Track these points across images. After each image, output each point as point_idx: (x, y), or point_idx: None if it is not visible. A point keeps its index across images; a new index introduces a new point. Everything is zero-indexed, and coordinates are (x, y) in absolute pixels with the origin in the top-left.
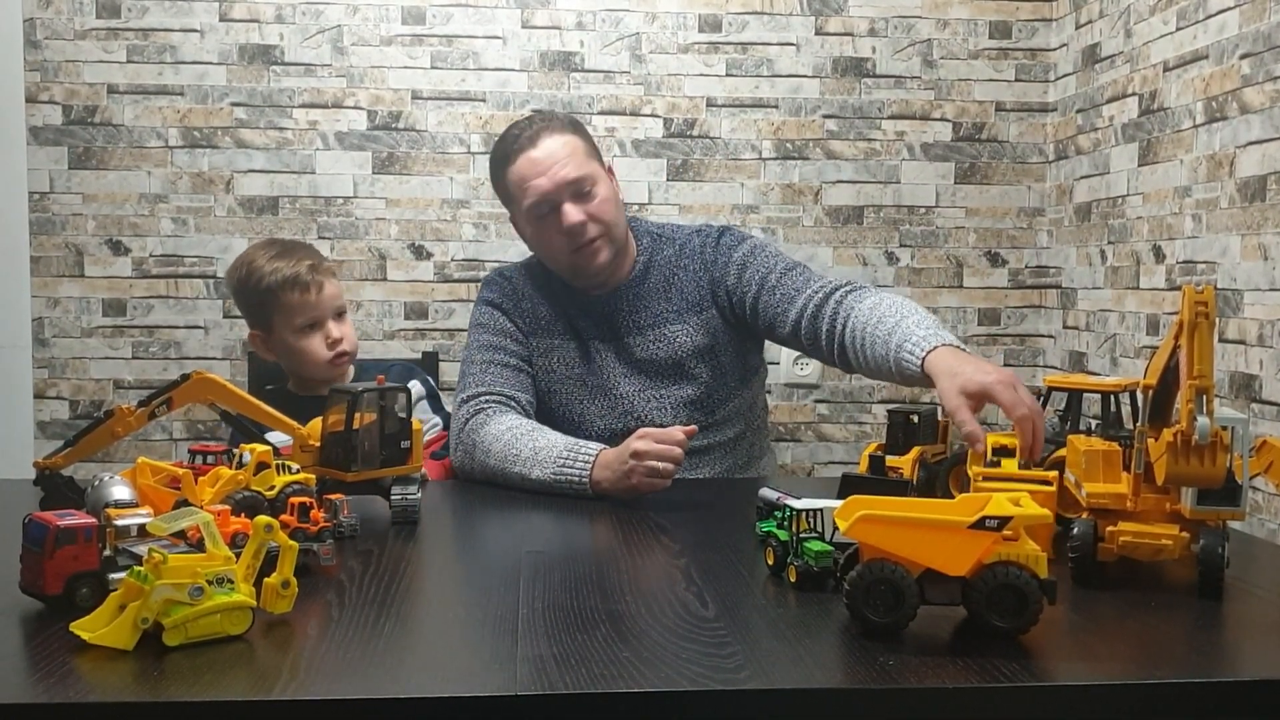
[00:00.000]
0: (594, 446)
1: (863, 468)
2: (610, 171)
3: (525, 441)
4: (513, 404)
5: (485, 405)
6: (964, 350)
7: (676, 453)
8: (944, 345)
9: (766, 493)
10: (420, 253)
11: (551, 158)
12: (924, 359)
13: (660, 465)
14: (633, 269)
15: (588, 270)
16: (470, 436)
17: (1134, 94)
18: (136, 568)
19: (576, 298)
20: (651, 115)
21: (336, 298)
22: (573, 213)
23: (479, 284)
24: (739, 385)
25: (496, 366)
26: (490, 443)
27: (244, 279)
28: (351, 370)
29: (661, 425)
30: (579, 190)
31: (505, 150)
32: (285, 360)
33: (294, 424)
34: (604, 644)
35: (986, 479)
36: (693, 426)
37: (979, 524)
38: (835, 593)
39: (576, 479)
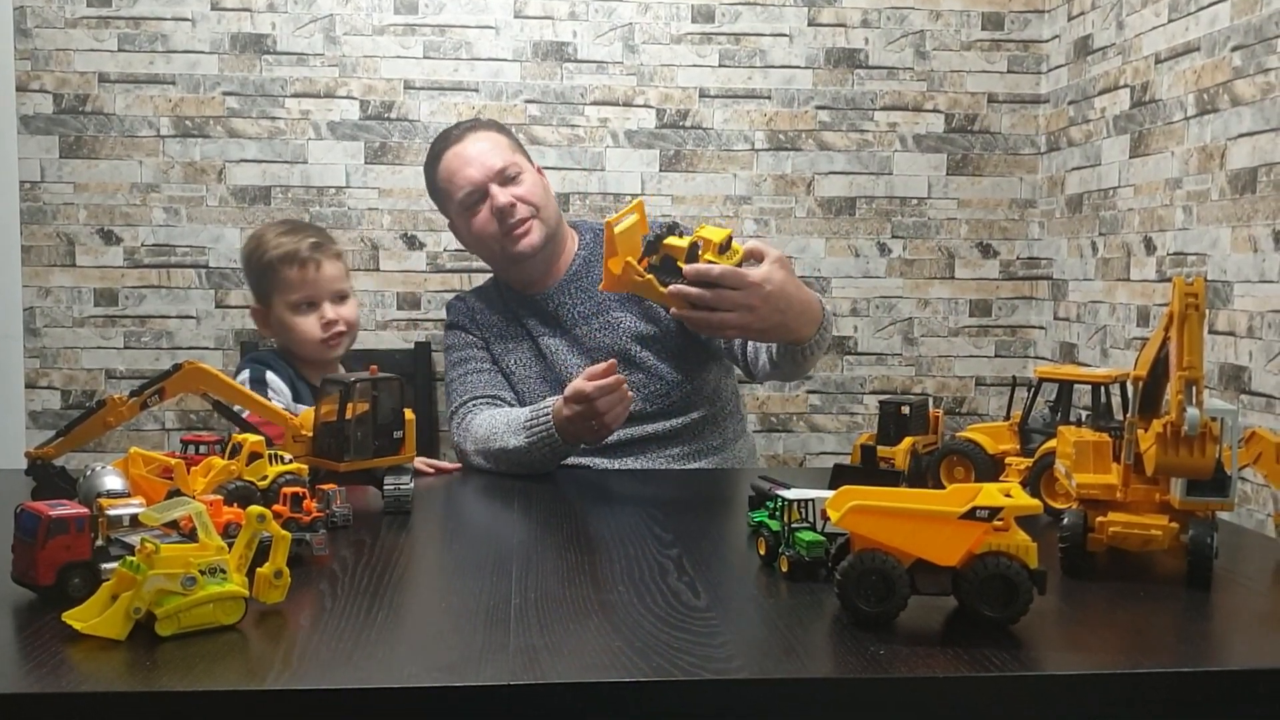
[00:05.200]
0: (549, 403)
1: (854, 458)
2: (540, 171)
3: (500, 419)
4: (495, 401)
5: (470, 409)
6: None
7: (613, 392)
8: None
9: (759, 483)
10: (413, 243)
11: (476, 150)
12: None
13: (611, 413)
14: (572, 263)
15: (520, 253)
16: (462, 437)
17: (1125, 86)
18: (129, 558)
19: (525, 300)
20: (644, 106)
21: (336, 280)
22: (501, 194)
23: (468, 278)
24: (696, 369)
25: (472, 375)
26: (474, 431)
27: (251, 251)
28: (341, 351)
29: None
30: (506, 176)
31: (434, 152)
32: (280, 337)
33: (286, 414)
34: (596, 634)
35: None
36: (609, 363)
37: (969, 514)
38: (827, 583)
39: (545, 432)
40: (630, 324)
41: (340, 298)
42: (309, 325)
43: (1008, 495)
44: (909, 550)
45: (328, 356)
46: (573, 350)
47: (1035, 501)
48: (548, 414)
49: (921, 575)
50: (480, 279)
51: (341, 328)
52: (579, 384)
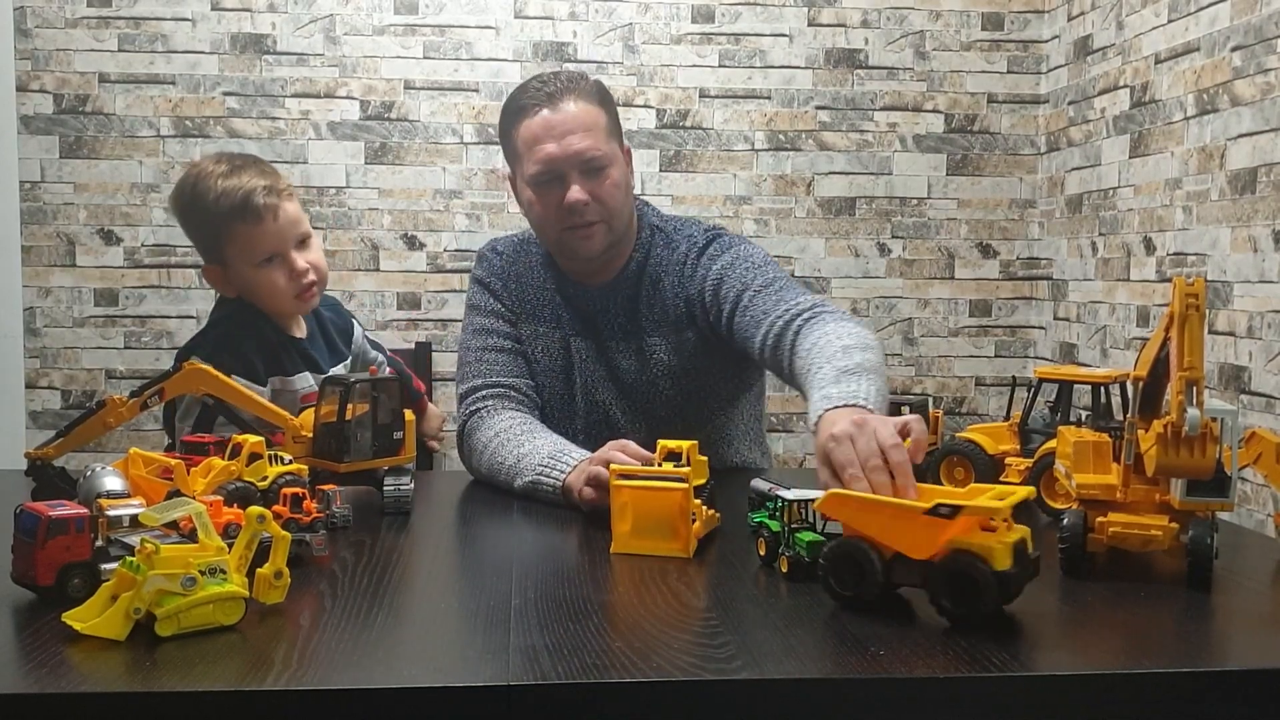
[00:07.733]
0: (577, 454)
1: None
2: (628, 154)
3: (511, 448)
4: (511, 393)
5: (482, 403)
6: (858, 405)
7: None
8: (832, 409)
9: (758, 484)
10: (413, 243)
11: (568, 124)
12: (816, 423)
13: (596, 486)
14: (627, 264)
15: (576, 253)
16: (468, 440)
17: (1125, 86)
18: (129, 558)
19: (566, 287)
20: (644, 106)
21: (297, 222)
22: (576, 190)
23: (469, 279)
24: (724, 405)
25: (491, 353)
26: (482, 448)
27: (190, 202)
28: (317, 302)
29: (636, 440)
30: (590, 167)
31: (521, 103)
32: (249, 296)
33: (286, 415)
34: (596, 634)
35: (622, 476)
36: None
37: (933, 510)
38: None
39: (550, 487)
40: (662, 355)
41: (303, 241)
42: (277, 281)
43: (1002, 499)
44: (888, 542)
45: (303, 310)
46: (599, 361)
47: (995, 504)
48: (567, 468)
49: (900, 566)
50: None
51: (312, 276)
52: (614, 460)
